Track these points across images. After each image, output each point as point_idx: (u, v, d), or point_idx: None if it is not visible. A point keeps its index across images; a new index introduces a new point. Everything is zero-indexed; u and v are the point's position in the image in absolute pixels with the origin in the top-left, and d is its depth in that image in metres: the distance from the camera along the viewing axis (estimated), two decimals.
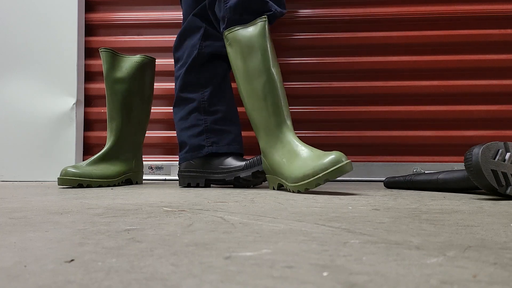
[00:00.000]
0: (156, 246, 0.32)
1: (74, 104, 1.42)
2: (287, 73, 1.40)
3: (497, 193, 0.70)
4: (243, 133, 1.33)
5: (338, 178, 1.37)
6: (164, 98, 1.45)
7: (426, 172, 1.17)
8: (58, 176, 1.18)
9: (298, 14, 1.41)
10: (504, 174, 0.68)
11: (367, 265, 0.26)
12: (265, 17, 0.93)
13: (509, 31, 1.34)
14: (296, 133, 1.38)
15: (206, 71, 1.12)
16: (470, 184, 0.81)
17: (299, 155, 0.85)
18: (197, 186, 1.08)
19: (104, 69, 1.18)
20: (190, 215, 0.49)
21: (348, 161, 0.79)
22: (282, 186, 0.91)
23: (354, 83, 1.38)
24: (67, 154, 1.41)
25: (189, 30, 1.13)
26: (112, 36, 1.48)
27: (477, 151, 0.68)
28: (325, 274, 0.24)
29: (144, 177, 1.42)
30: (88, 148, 1.47)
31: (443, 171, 0.88)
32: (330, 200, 0.67)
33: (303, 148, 0.86)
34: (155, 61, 1.26)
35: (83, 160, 1.45)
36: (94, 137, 1.46)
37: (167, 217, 0.47)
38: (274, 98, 0.91)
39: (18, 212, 0.53)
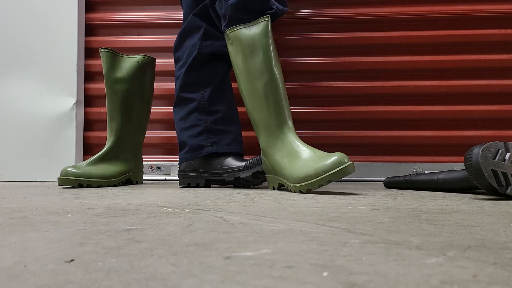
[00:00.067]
0: (156, 246, 0.32)
1: (74, 104, 1.42)
2: (288, 73, 1.40)
3: (497, 193, 0.70)
4: (243, 133, 1.33)
5: None
6: (164, 98, 1.45)
7: (426, 172, 1.17)
8: (58, 176, 1.18)
9: (298, 14, 1.41)
10: (504, 174, 0.68)
11: (367, 265, 0.26)
12: (267, 16, 0.93)
13: (509, 31, 1.34)
14: (296, 133, 1.38)
15: (206, 71, 1.12)
16: (470, 184, 0.81)
17: (300, 155, 0.85)
18: (197, 186, 1.08)
19: (104, 69, 1.18)
20: (190, 215, 0.49)
21: (351, 162, 0.79)
22: (283, 186, 0.91)
23: (354, 83, 1.38)
24: (67, 154, 1.41)
25: (189, 30, 1.13)
26: (112, 36, 1.48)
27: (477, 151, 0.68)
28: (325, 274, 0.24)
29: (144, 177, 1.42)
30: (88, 148, 1.47)
31: (443, 171, 0.88)
32: (330, 200, 0.67)
33: (304, 148, 0.86)
34: (155, 61, 1.26)
35: (83, 160, 1.45)
36: (94, 137, 1.46)
37: (167, 217, 0.47)
38: (276, 98, 0.91)
39: (18, 212, 0.53)
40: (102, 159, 1.14)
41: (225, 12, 0.97)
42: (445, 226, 0.41)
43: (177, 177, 1.42)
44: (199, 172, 1.08)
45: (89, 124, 1.47)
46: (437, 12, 1.36)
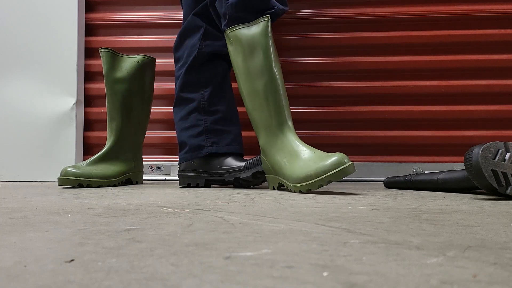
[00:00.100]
0: (156, 246, 0.32)
1: (74, 104, 1.42)
2: (288, 73, 1.40)
3: (497, 193, 0.70)
4: (243, 133, 1.33)
5: None
6: (164, 98, 1.45)
7: (426, 172, 1.17)
8: (58, 176, 1.18)
9: (298, 14, 1.41)
10: (504, 174, 0.68)
11: (367, 265, 0.26)
12: (267, 16, 0.93)
13: (509, 31, 1.34)
14: (296, 133, 1.38)
15: (206, 71, 1.12)
16: (470, 184, 0.81)
17: (300, 155, 0.85)
18: (197, 186, 1.08)
19: (104, 69, 1.18)
20: (190, 215, 0.49)
21: (351, 162, 0.79)
22: (283, 186, 0.91)
23: (354, 83, 1.38)
24: (67, 154, 1.41)
25: (189, 29, 1.13)
26: (112, 36, 1.48)
27: (477, 151, 0.68)
28: (325, 274, 0.24)
29: (144, 177, 1.42)
30: (88, 148, 1.47)
31: (443, 171, 0.88)
32: (330, 200, 0.67)
33: (304, 148, 0.86)
34: (155, 61, 1.26)
35: (83, 160, 1.45)
36: (94, 137, 1.46)
37: (167, 217, 0.47)
38: (276, 98, 0.91)
39: (18, 212, 0.53)
40: (102, 159, 1.14)
41: (225, 11, 0.97)
42: (445, 226, 0.41)
43: (177, 177, 1.42)
44: (199, 172, 1.08)
45: (89, 124, 1.47)
46: (437, 12, 1.36)
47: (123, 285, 0.22)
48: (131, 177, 1.22)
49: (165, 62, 1.44)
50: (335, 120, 1.38)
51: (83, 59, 1.46)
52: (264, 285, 0.22)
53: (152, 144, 1.45)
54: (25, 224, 0.43)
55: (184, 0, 1.16)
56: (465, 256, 0.28)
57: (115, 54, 1.18)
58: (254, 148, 1.39)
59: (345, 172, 0.78)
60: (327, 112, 1.38)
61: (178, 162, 1.19)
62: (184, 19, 1.16)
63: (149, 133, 1.44)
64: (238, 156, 1.09)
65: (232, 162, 1.05)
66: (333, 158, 0.80)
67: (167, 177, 1.43)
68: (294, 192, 0.84)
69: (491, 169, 0.67)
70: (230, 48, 0.97)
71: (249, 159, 1.03)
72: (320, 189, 0.92)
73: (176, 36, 1.18)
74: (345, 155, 0.80)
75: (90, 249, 0.31)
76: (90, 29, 1.48)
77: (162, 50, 1.45)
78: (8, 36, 1.44)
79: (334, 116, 1.38)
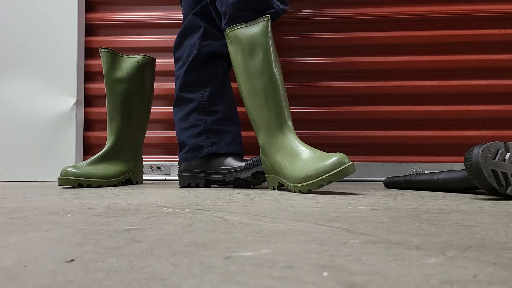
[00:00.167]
0: (156, 246, 0.32)
1: (74, 104, 1.42)
2: (288, 73, 1.40)
3: (497, 193, 0.70)
4: (243, 133, 1.33)
5: None
6: (164, 98, 1.45)
7: (426, 172, 1.17)
8: (58, 176, 1.18)
9: (298, 14, 1.41)
10: (504, 174, 0.68)
11: (367, 265, 0.26)
12: (267, 16, 0.93)
13: (509, 31, 1.34)
14: (296, 133, 1.38)
15: (206, 71, 1.12)
16: (470, 184, 0.81)
17: (300, 155, 0.85)
18: (197, 186, 1.08)
19: (104, 69, 1.18)
20: (190, 215, 0.49)
21: (351, 163, 0.79)
22: (283, 186, 0.91)
23: (354, 83, 1.38)
24: (67, 154, 1.41)
25: (189, 29, 1.13)
26: (112, 36, 1.48)
27: (477, 151, 0.68)
28: (325, 274, 0.24)
29: (144, 177, 1.42)
30: (88, 148, 1.47)
31: (443, 171, 0.88)
32: (330, 200, 0.67)
33: (304, 148, 0.86)
34: (155, 61, 1.26)
35: (83, 160, 1.45)
36: (94, 137, 1.46)
37: (167, 217, 0.47)
38: (276, 98, 0.91)
39: (18, 212, 0.53)
40: (102, 159, 1.14)
41: (226, 10, 0.97)
42: (445, 226, 0.41)
43: (177, 177, 1.42)
44: (199, 172, 1.08)
45: (89, 124, 1.47)
46: (437, 12, 1.36)
47: (123, 285, 0.22)
48: (131, 177, 1.22)
49: (165, 62, 1.44)
50: (335, 120, 1.38)
51: (83, 59, 1.46)
52: (264, 285, 0.22)
53: (152, 144, 1.45)
54: (25, 224, 0.43)
55: (184, 0, 1.16)
56: (465, 256, 0.28)
57: (115, 54, 1.18)
58: (254, 148, 1.39)
59: (346, 172, 0.78)
60: (327, 112, 1.38)
61: (178, 162, 1.19)
62: (184, 19, 1.16)
63: (149, 133, 1.44)
64: (238, 156, 1.09)
65: (232, 162, 1.05)
66: (333, 158, 0.80)
67: (167, 177, 1.43)
68: (294, 192, 0.84)
69: (491, 169, 0.67)
70: (230, 48, 0.97)
71: (249, 159, 1.03)
72: (320, 189, 0.92)
73: (176, 36, 1.18)
74: (345, 155, 0.80)
75: (90, 249, 0.31)
76: (90, 29, 1.48)
77: (162, 50, 1.45)
78: (8, 36, 1.44)
79: (334, 116, 1.38)
